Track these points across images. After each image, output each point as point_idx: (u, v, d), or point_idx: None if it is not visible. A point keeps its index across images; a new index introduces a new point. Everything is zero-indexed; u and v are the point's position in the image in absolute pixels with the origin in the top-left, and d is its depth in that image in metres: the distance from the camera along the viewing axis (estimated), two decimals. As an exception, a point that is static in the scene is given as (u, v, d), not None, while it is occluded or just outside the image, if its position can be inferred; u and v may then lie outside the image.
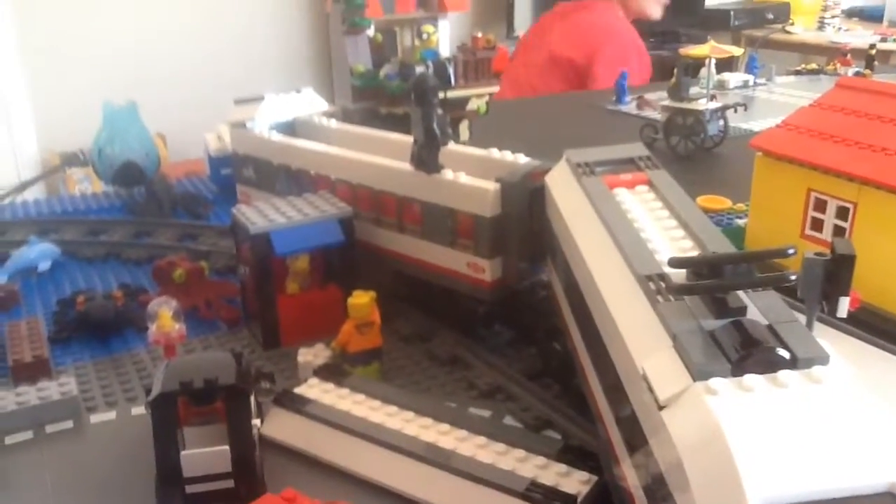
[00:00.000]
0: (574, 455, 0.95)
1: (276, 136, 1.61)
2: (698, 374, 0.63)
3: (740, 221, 1.73)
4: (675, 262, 0.75)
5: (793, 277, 0.70)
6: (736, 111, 2.34)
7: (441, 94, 1.30)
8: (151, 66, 4.26)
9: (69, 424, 1.14)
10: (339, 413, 1.06)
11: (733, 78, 3.23)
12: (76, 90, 3.83)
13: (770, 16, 5.27)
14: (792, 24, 5.21)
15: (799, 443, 0.56)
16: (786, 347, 0.64)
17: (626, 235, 0.88)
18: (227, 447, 0.95)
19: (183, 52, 4.40)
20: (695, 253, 0.85)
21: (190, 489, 0.95)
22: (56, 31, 4.23)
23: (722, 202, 1.86)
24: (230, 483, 0.95)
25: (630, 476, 0.77)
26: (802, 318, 0.77)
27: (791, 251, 0.70)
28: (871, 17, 5.36)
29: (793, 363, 0.63)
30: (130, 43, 4.33)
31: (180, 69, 4.33)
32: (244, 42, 4.59)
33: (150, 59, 4.31)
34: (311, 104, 1.75)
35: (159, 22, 4.41)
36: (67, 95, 4.01)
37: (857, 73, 3.14)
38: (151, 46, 4.36)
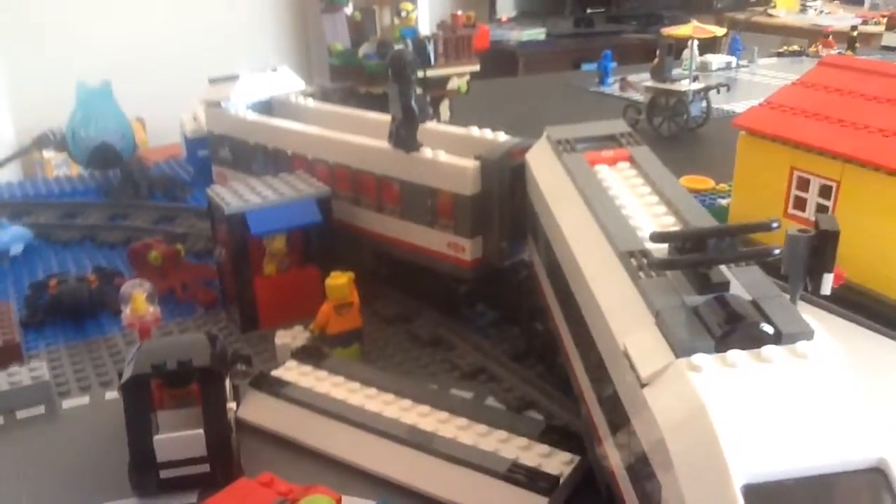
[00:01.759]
0: (557, 435, 0.94)
1: (252, 116, 1.58)
2: (681, 350, 0.61)
3: (723, 201, 1.72)
4: (657, 237, 0.74)
5: (777, 251, 0.69)
6: (718, 92, 2.33)
7: (421, 73, 1.28)
8: (129, 49, 4.18)
9: (41, 410, 1.11)
10: (318, 395, 1.04)
11: (716, 59, 3.23)
12: (53, 73, 3.76)
13: (752, -2, 5.27)
14: (774, 6, 5.21)
15: (784, 419, 0.55)
16: (770, 322, 0.63)
17: (607, 212, 0.86)
18: (201, 431, 0.93)
19: (160, 34, 4.33)
20: (677, 228, 0.83)
21: (164, 474, 0.93)
22: (32, 14, 4.14)
23: (705, 182, 1.85)
24: (205, 467, 0.94)
25: (613, 456, 0.76)
26: (786, 296, 0.76)
27: (775, 224, 0.69)
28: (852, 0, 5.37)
29: (777, 338, 0.61)
30: (109, 25, 4.25)
31: (158, 51, 4.26)
32: (221, 22, 4.52)
33: (127, 41, 4.23)
34: (287, 83, 1.72)
35: (136, 3, 4.33)
36: (44, 78, 3.94)
37: (838, 55, 3.14)
38: (129, 28, 4.28)
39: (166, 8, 4.39)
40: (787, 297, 0.71)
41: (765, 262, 0.72)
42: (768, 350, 0.60)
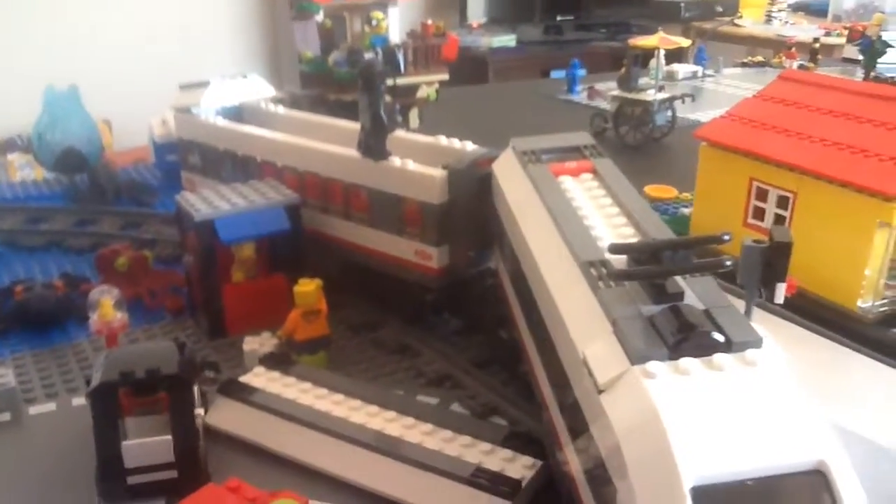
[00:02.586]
0: (519, 441, 0.96)
1: (222, 122, 1.59)
2: (636, 357, 0.64)
3: (686, 210, 1.76)
4: (615, 249, 0.76)
5: (728, 263, 0.71)
6: (683, 101, 2.37)
7: (391, 81, 1.29)
8: (96, 51, 4.15)
9: (6, 416, 1.11)
10: (285, 402, 1.06)
11: (682, 69, 3.28)
12: (18, 75, 3.72)
13: (719, 8, 5.35)
14: (740, 17, 5.29)
15: (733, 424, 0.58)
16: (721, 331, 0.65)
17: (569, 222, 0.89)
18: (169, 437, 0.93)
19: (129, 38, 4.30)
20: (636, 240, 0.86)
21: (132, 480, 0.93)
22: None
23: (669, 191, 1.89)
24: (173, 473, 0.94)
25: (573, 461, 0.78)
26: (741, 304, 0.79)
27: (727, 237, 0.72)
28: (816, 11, 5.47)
29: (727, 346, 0.64)
30: (74, 27, 4.21)
31: (125, 54, 4.23)
32: (192, 27, 4.49)
33: (94, 43, 4.20)
34: (257, 90, 1.72)
35: (104, 5, 4.30)
36: (8, 80, 3.90)
37: (801, 66, 3.21)
38: (96, 30, 4.25)
39: (135, 12, 4.36)
40: (739, 307, 0.74)
41: (724, 272, 0.75)
42: (719, 357, 0.63)
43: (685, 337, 0.65)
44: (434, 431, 0.98)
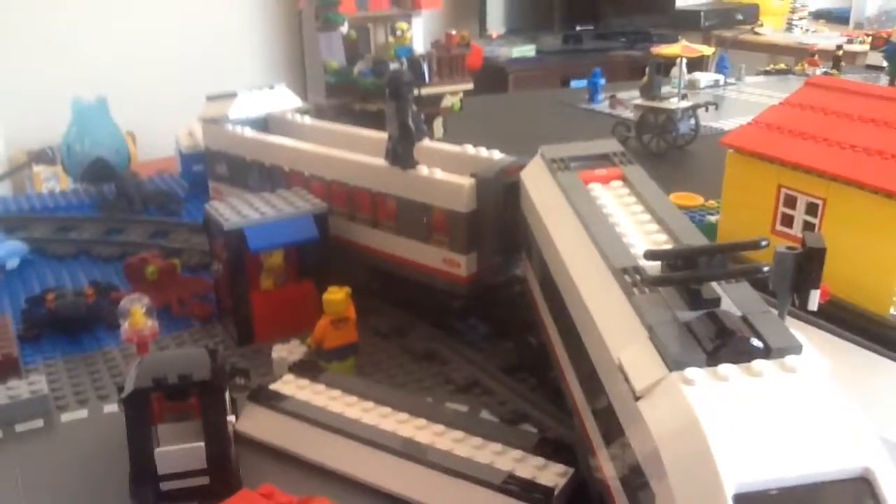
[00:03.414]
0: (550, 448, 0.96)
1: (249, 132, 1.60)
2: (674, 364, 0.63)
3: (712, 218, 1.75)
4: (650, 255, 0.76)
5: (765, 268, 0.71)
6: (707, 110, 2.36)
7: (415, 91, 1.30)
8: (122, 64, 4.20)
9: (40, 423, 1.12)
10: (315, 409, 1.06)
11: (704, 77, 3.27)
12: (44, 88, 3.77)
13: (739, 17, 5.34)
14: (761, 25, 5.28)
15: (774, 430, 0.57)
16: (759, 337, 0.65)
17: (600, 229, 0.89)
18: (201, 443, 0.94)
19: (154, 50, 4.35)
20: (669, 246, 0.86)
21: (164, 486, 0.94)
22: (24, 28, 4.16)
23: (694, 199, 1.88)
24: (205, 480, 0.95)
25: (607, 467, 0.77)
26: (774, 311, 0.78)
27: (764, 243, 0.72)
28: (837, 18, 5.45)
29: (766, 353, 0.64)
30: (101, 40, 4.27)
31: (151, 67, 4.28)
32: (216, 40, 4.54)
33: (120, 56, 4.25)
34: (283, 101, 1.74)
35: (131, 19, 4.35)
36: (35, 93, 3.95)
37: (824, 74, 3.19)
38: (123, 43, 4.30)
39: (161, 24, 4.41)
40: (776, 312, 0.74)
41: (754, 279, 0.75)
42: (758, 364, 0.62)
43: (723, 343, 0.64)
44: (464, 438, 0.98)
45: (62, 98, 1.95)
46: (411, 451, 0.97)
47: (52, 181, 3.81)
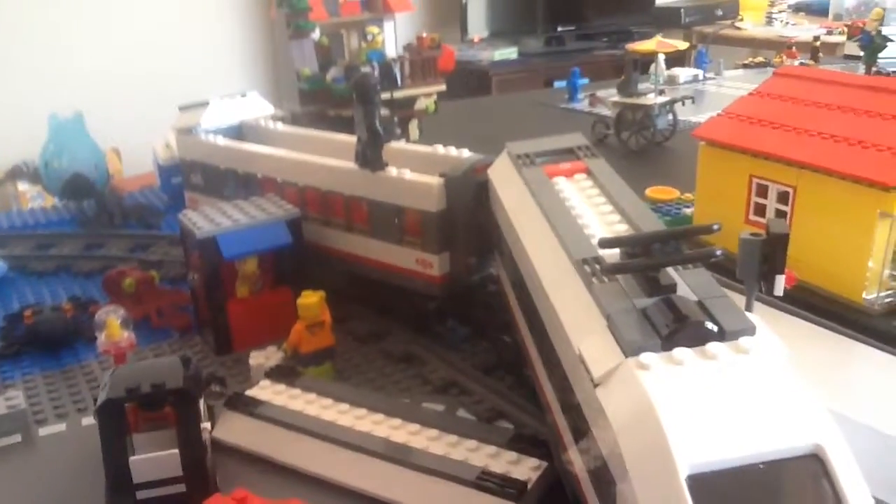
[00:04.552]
0: (525, 443, 0.96)
1: (223, 141, 1.60)
2: (629, 350, 0.64)
3: (688, 210, 1.76)
4: (605, 243, 0.76)
5: (718, 252, 0.72)
6: (683, 104, 2.37)
7: (389, 95, 1.30)
8: (100, 79, 4.19)
9: (17, 438, 1.12)
10: (291, 413, 1.06)
11: (683, 73, 3.29)
12: (21, 106, 3.77)
13: (719, 12, 5.37)
14: (741, 19, 5.31)
15: (727, 411, 0.58)
16: (714, 321, 0.65)
17: (563, 222, 0.89)
18: (176, 451, 0.94)
19: (131, 64, 4.34)
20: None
21: (141, 495, 0.94)
22: (2, 44, 4.16)
23: (670, 192, 1.89)
24: (181, 487, 0.95)
25: (577, 461, 0.78)
26: (742, 300, 0.79)
27: (715, 227, 0.72)
28: (817, 11, 5.48)
29: (721, 335, 0.64)
30: (80, 53, 4.27)
31: (129, 81, 4.27)
32: (190, 50, 4.55)
33: (98, 72, 4.24)
34: (256, 108, 1.74)
35: (105, 33, 4.35)
36: (12, 111, 3.95)
37: (802, 65, 3.20)
38: (99, 59, 4.30)
39: (134, 38, 4.41)
40: (739, 302, 0.74)
41: (712, 265, 0.76)
42: (712, 347, 0.63)
43: (678, 328, 0.65)
44: (439, 437, 0.99)
45: (41, 115, 1.95)
46: (386, 452, 0.97)
47: (38, 199, 3.80)
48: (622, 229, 0.88)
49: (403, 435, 1.00)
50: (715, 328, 0.65)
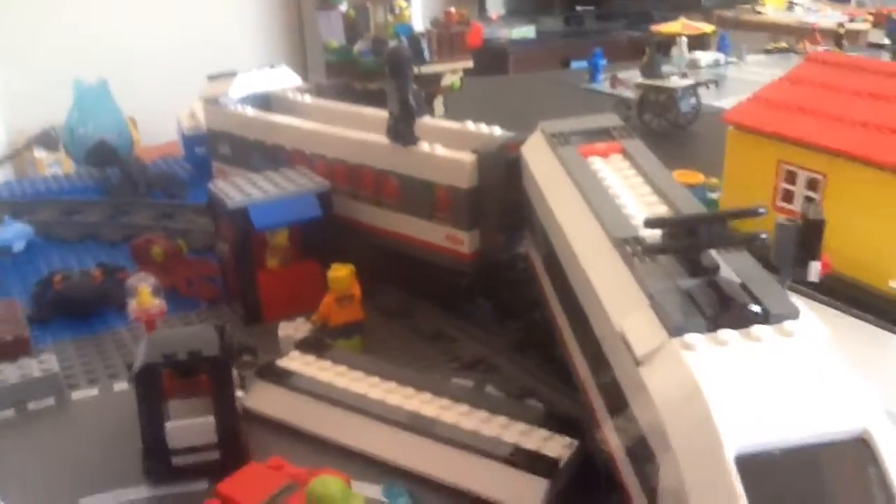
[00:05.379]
0: (556, 421, 0.97)
1: (252, 112, 1.60)
2: (675, 330, 0.64)
3: (713, 195, 1.75)
4: (650, 223, 0.77)
5: (764, 236, 0.72)
6: (708, 87, 2.36)
7: (415, 69, 1.30)
8: (123, 49, 4.19)
9: (51, 401, 1.14)
10: (322, 384, 1.07)
11: (705, 56, 3.26)
12: (43, 72, 3.77)
13: (740, -4, 5.32)
14: (762, 4, 5.25)
15: (773, 393, 0.58)
16: (758, 303, 0.66)
17: (600, 201, 0.90)
18: (212, 418, 0.95)
19: (153, 33, 4.33)
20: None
21: (176, 461, 0.96)
22: (24, 13, 4.15)
23: (695, 176, 1.88)
24: (215, 454, 0.96)
25: (612, 439, 0.79)
26: (773, 278, 0.79)
27: (762, 210, 0.73)
28: (839, -3, 5.42)
29: (765, 318, 0.65)
30: (100, 23, 4.26)
31: (151, 50, 4.26)
32: (215, 21, 4.53)
33: (120, 39, 4.23)
34: (284, 80, 1.74)
35: (130, 3, 4.34)
36: (35, 77, 3.95)
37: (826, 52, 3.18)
38: (122, 26, 4.29)
39: (160, 8, 4.39)
40: (775, 279, 0.75)
41: (753, 249, 0.76)
42: (757, 329, 0.63)
43: (723, 309, 0.65)
44: (470, 412, 1.00)
45: (64, 83, 1.95)
46: (417, 425, 0.98)
47: (55, 167, 3.81)
48: (661, 210, 0.88)
49: (434, 409, 1.01)
50: (759, 310, 0.65)
